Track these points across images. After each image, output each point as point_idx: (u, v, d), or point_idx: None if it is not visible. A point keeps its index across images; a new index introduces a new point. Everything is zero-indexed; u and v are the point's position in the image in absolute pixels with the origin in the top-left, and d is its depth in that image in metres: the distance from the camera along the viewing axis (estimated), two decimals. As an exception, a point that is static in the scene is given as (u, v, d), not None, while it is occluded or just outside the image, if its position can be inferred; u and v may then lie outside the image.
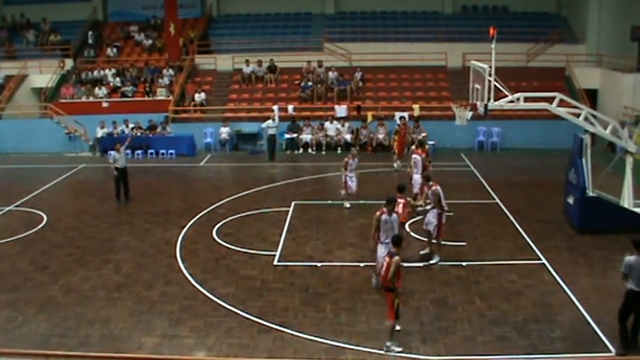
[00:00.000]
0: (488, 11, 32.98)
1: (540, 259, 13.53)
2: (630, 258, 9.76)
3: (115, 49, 31.54)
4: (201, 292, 12.27)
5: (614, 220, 13.94)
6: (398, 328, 10.16)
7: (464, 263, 13.40)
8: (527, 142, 25.29)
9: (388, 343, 9.94)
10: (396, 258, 9.88)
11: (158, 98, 28.10)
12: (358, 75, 28.56)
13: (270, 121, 24.11)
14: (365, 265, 13.27)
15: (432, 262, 13.44)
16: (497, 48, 15.05)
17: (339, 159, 22.83)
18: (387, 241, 11.42)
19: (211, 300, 11.89)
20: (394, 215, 11.82)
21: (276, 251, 14.30)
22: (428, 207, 13.64)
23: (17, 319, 11.17)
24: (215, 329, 10.74)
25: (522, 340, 10.23)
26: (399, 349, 9.92)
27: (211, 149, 26.35)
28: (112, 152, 19.31)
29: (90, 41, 31.89)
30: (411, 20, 32.28)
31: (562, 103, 15.50)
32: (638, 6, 26.89)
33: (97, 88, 28.53)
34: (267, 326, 10.79)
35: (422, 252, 13.87)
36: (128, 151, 19.94)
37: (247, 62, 29.32)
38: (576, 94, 25.69)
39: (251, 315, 11.20)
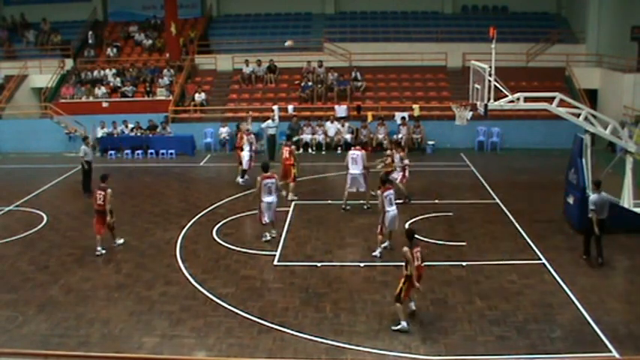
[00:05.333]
0: (489, 11, 32.97)
1: (540, 259, 13.53)
2: (594, 196, 12.60)
3: (115, 49, 31.54)
4: (201, 292, 12.26)
5: (614, 220, 13.92)
6: None
7: (464, 263, 13.40)
8: (527, 142, 25.29)
9: None
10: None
11: (158, 98, 28.08)
12: (358, 77, 28.48)
13: (269, 121, 24.12)
14: (365, 265, 13.32)
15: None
16: (497, 48, 15.06)
17: (339, 159, 22.97)
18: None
19: (211, 300, 11.88)
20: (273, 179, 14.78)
21: (276, 251, 14.30)
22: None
23: (17, 319, 11.17)
24: (215, 329, 10.74)
25: (522, 340, 10.23)
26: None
27: (211, 149, 26.35)
28: (83, 146, 19.31)
29: (90, 41, 31.91)
30: (411, 20, 32.28)
31: (562, 103, 15.50)
32: (638, 6, 26.88)
33: (97, 88, 28.51)
34: (267, 326, 10.79)
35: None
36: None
37: (247, 62, 29.32)
38: (576, 94, 25.67)
39: (251, 315, 11.20)
